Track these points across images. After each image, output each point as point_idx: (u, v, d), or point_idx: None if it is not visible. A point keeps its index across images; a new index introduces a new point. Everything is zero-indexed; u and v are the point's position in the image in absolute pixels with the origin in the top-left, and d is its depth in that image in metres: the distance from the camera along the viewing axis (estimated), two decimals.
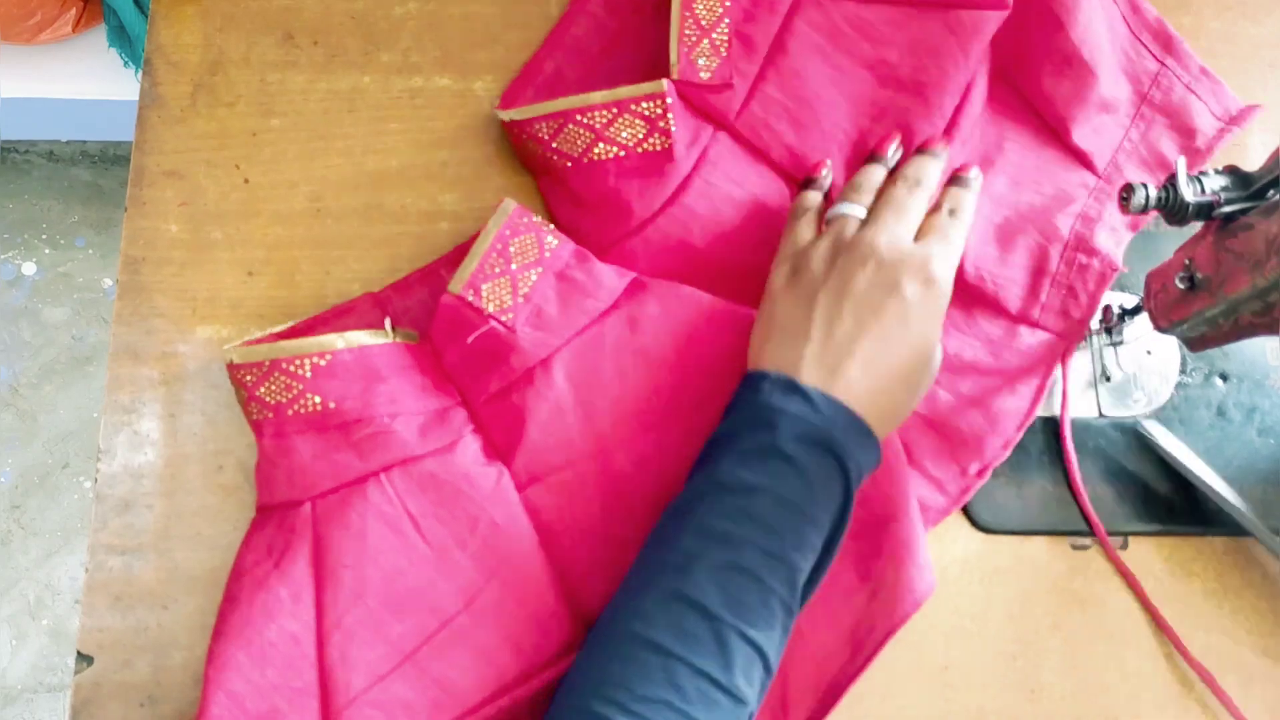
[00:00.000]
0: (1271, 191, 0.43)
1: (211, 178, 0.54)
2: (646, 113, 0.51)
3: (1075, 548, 0.53)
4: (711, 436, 0.46)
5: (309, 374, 0.46)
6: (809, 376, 0.44)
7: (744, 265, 0.52)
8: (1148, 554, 0.53)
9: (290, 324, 0.51)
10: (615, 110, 0.51)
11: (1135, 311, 0.53)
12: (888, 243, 0.46)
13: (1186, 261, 0.47)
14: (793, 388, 0.44)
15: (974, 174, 0.50)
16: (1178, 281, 0.47)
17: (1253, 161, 0.45)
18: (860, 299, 0.45)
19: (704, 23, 0.53)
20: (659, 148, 0.51)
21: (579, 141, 0.51)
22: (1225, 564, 0.53)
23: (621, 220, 0.52)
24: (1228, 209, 0.44)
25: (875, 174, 0.51)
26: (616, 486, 0.49)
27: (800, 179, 0.53)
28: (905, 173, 0.50)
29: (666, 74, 0.52)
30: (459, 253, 0.53)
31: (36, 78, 1.24)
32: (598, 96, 0.51)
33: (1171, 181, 0.44)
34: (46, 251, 1.45)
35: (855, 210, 0.49)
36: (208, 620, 0.47)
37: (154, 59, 0.56)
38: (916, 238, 0.48)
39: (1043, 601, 0.52)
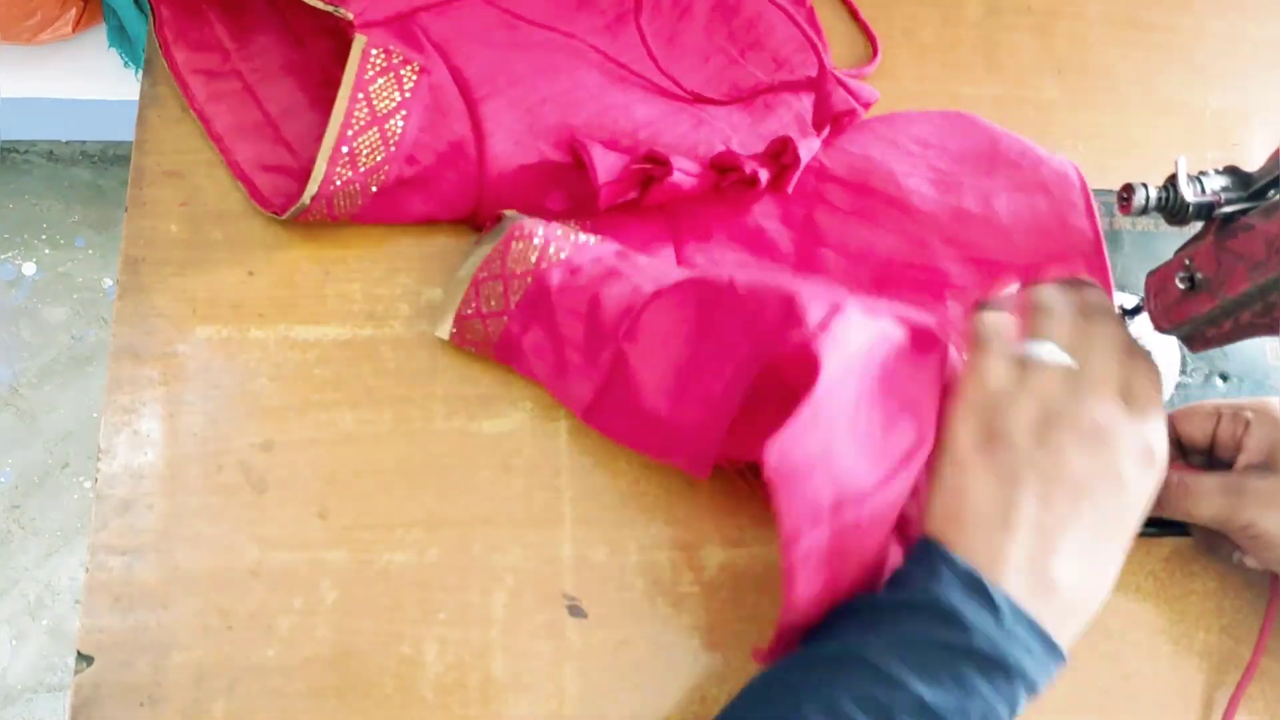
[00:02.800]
0: (1272, 191, 0.43)
1: (211, 178, 0.54)
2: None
3: None
4: (871, 598, 0.40)
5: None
6: (1006, 581, 0.38)
7: None
8: (1148, 554, 0.53)
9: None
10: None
11: (1135, 311, 0.53)
12: (1108, 418, 0.39)
13: (1186, 262, 0.47)
14: (978, 588, 0.38)
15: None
16: (1178, 282, 0.47)
17: (1253, 161, 0.45)
18: (1077, 487, 0.39)
19: None
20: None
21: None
22: (1226, 564, 0.53)
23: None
24: (1228, 209, 0.44)
25: (1061, 299, 0.42)
26: None
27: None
28: (1091, 303, 0.42)
29: None
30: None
31: (36, 78, 1.24)
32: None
33: (1171, 181, 0.44)
34: (46, 251, 1.45)
35: (1060, 357, 0.41)
36: (208, 620, 0.47)
37: (154, 59, 0.56)
38: (1127, 400, 0.41)
39: None
